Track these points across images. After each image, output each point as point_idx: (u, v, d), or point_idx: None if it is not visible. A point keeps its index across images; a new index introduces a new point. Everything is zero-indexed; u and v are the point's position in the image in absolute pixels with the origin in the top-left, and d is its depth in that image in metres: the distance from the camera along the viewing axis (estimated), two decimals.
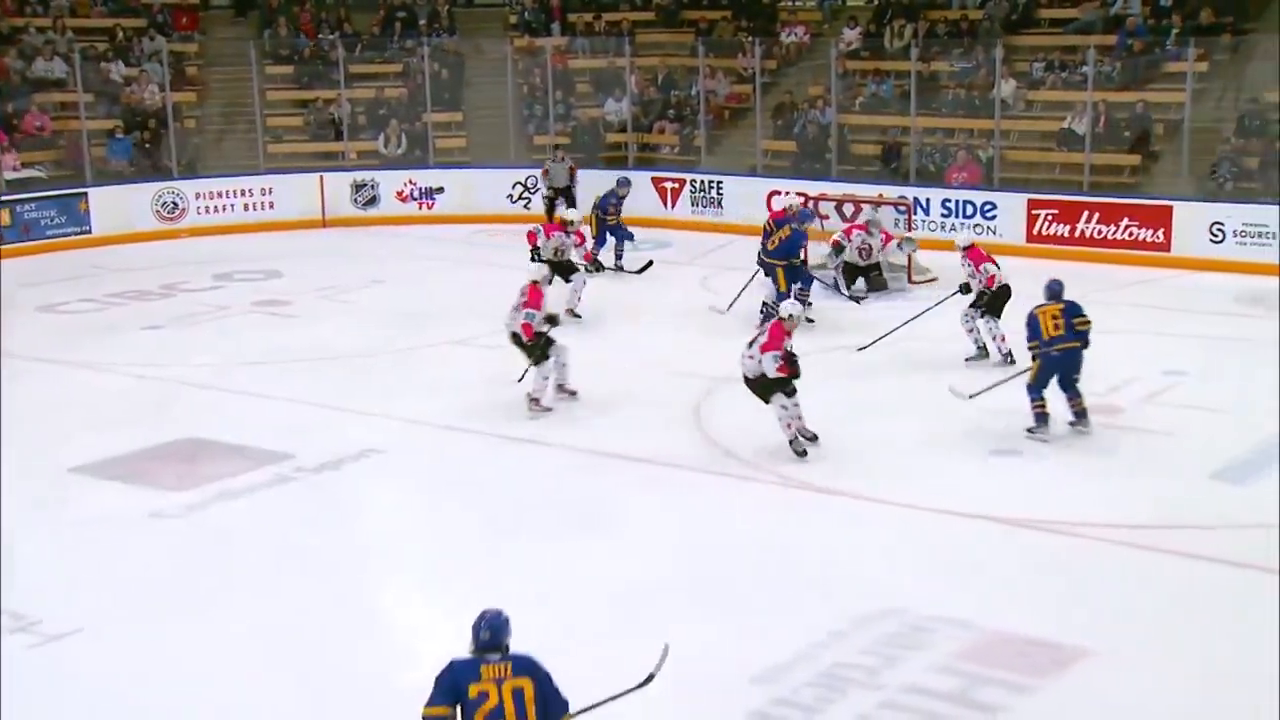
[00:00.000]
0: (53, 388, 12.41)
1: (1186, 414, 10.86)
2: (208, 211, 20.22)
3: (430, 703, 5.35)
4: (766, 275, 14.24)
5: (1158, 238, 16.75)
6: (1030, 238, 17.42)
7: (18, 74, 20.86)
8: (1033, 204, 17.52)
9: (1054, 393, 10.34)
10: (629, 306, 15.48)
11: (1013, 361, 11.96)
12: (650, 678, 5.83)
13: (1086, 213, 17.17)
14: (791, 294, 13.14)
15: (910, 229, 16.35)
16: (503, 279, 17.06)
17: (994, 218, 17.69)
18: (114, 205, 19.53)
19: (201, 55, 23.13)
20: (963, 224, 17.68)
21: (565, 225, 15.13)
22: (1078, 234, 17.19)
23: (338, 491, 9.81)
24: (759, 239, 14.67)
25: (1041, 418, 10.27)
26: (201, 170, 20.80)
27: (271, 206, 20.49)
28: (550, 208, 19.15)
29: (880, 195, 17.27)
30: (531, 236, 15.28)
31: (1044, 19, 21.18)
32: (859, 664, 7.04)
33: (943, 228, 17.80)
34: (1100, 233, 17.06)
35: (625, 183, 17.67)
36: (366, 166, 21.20)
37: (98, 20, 22.92)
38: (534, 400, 11.24)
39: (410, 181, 20.96)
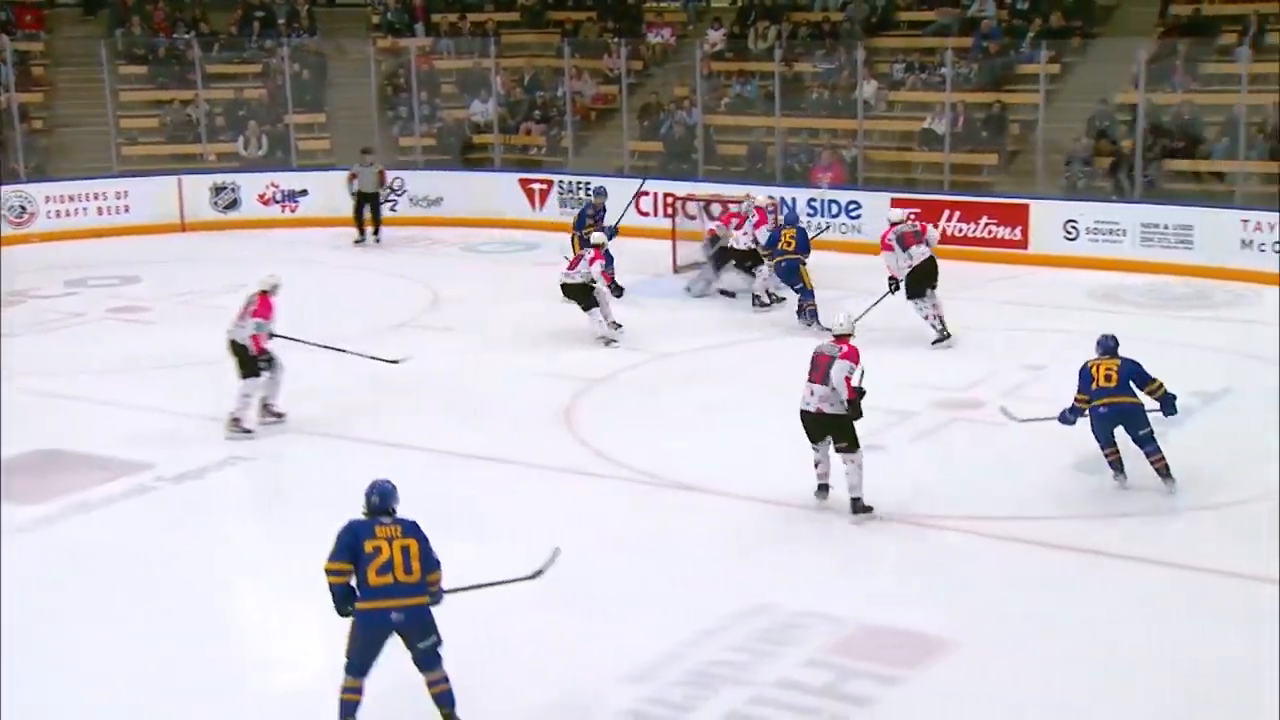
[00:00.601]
0: None
1: (1044, 407, 11.10)
2: (59, 215, 19.60)
3: (332, 558, 6.33)
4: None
5: (1015, 235, 17.16)
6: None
7: None
8: (895, 203, 17.76)
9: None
10: (500, 308, 15.38)
11: (946, 335, 13.02)
12: (539, 573, 6.77)
13: (947, 211, 17.52)
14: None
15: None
16: (370, 282, 16.98)
17: (858, 217, 17.95)
18: None
19: (48, 54, 22.41)
20: (829, 223, 17.92)
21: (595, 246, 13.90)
22: (939, 232, 17.47)
23: (200, 501, 9.57)
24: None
25: (1115, 465, 9.22)
26: (52, 173, 20.15)
27: (127, 210, 19.92)
28: (358, 214, 18.90)
29: (747, 195, 17.38)
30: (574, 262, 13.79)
31: (903, 21, 21.59)
32: (730, 660, 7.07)
33: (809, 227, 17.99)
34: (961, 231, 17.42)
35: (601, 192, 16.45)
36: (226, 169, 20.75)
37: None
38: (235, 421, 10.68)
39: (272, 184, 20.56)
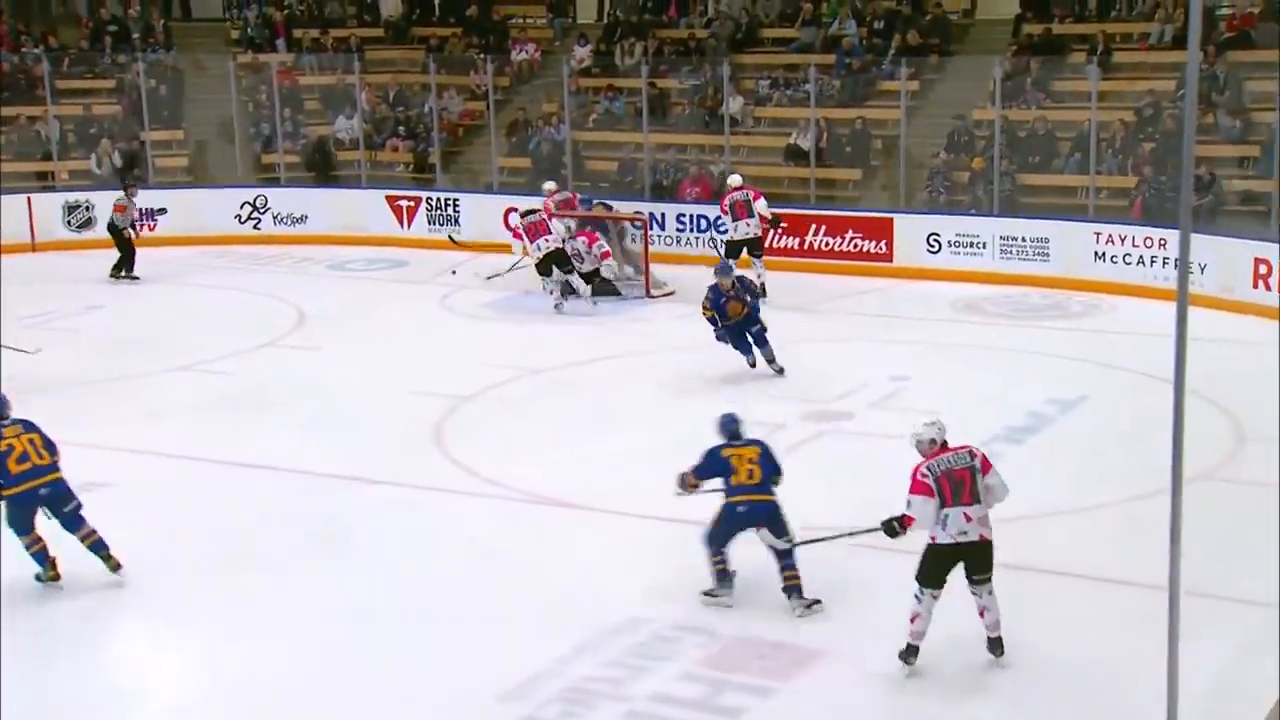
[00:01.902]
0: None
1: (912, 417, 11.22)
2: None
3: None
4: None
5: (880, 249, 17.45)
6: (763, 250, 17.86)
7: None
8: (763, 217, 17.98)
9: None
10: (368, 326, 15.19)
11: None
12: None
13: (814, 226, 17.75)
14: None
15: (647, 244, 16.56)
16: (231, 301, 16.62)
17: (725, 231, 18.06)
18: None
19: None
20: (697, 238, 18.06)
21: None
22: (806, 246, 17.74)
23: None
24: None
25: (722, 576, 7.94)
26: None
27: None
28: (126, 243, 17.76)
29: (615, 211, 17.45)
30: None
31: (767, 38, 21.87)
32: (605, 676, 7.06)
33: (678, 242, 18.13)
34: (827, 244, 17.66)
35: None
36: (80, 187, 20.14)
37: None
38: None
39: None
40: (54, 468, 8.22)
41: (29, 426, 8.24)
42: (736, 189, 16.05)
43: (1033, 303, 15.68)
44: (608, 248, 16.11)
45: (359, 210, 20.14)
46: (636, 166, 19.57)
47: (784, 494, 9.62)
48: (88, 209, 19.73)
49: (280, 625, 7.72)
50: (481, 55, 22.00)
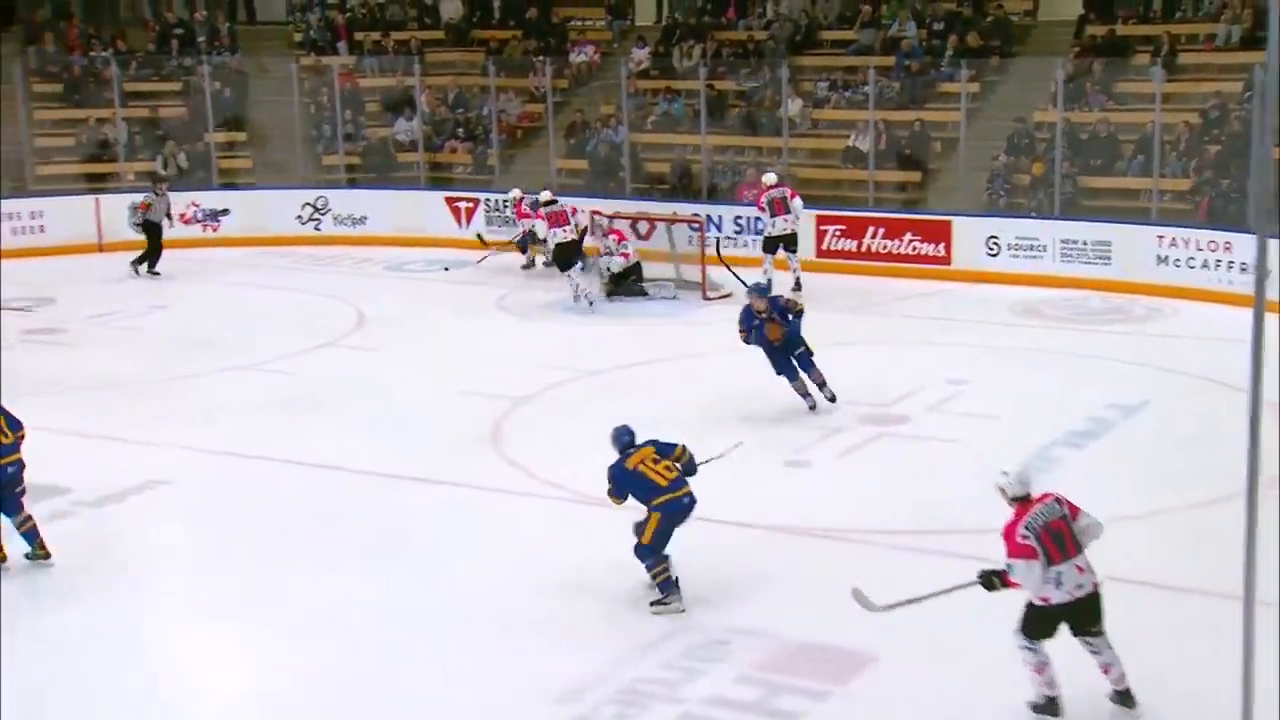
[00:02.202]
0: None
1: (969, 421, 11.24)
2: None
3: None
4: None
5: (939, 251, 17.34)
6: (820, 253, 17.83)
7: None
8: (821, 220, 17.94)
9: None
10: (426, 327, 15.30)
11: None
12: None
13: (872, 228, 17.67)
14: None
15: (704, 247, 16.55)
16: (291, 301, 16.79)
17: (764, 229, 18.02)
18: None
19: None
20: (754, 240, 18.01)
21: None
22: (864, 249, 17.67)
23: (120, 525, 9.39)
24: None
25: (669, 584, 7.85)
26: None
27: (42, 230, 19.54)
28: (155, 240, 18.18)
29: (674, 213, 17.46)
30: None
31: (826, 40, 21.80)
32: (659, 679, 7.05)
33: (735, 244, 18.09)
34: (885, 247, 17.57)
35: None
36: (146, 188, 20.37)
37: None
38: None
39: (194, 203, 20.27)
40: (15, 448, 8.30)
41: None
42: (773, 186, 16.34)
43: (1093, 306, 15.51)
44: (630, 249, 16.37)
45: (418, 211, 20.29)
46: (693, 169, 19.57)
47: (842, 497, 9.65)
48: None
49: (336, 625, 7.77)
50: (540, 58, 22.08)
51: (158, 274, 18.11)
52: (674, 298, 16.14)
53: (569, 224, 16.12)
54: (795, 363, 11.32)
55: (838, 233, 17.83)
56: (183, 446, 10.87)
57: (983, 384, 12.32)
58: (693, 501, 7.95)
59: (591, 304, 15.74)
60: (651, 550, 7.85)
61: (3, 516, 8.50)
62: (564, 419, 11.68)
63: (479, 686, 7.07)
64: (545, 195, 16.93)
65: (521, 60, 22.76)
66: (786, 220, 16.20)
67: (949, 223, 17.40)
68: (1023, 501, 6.47)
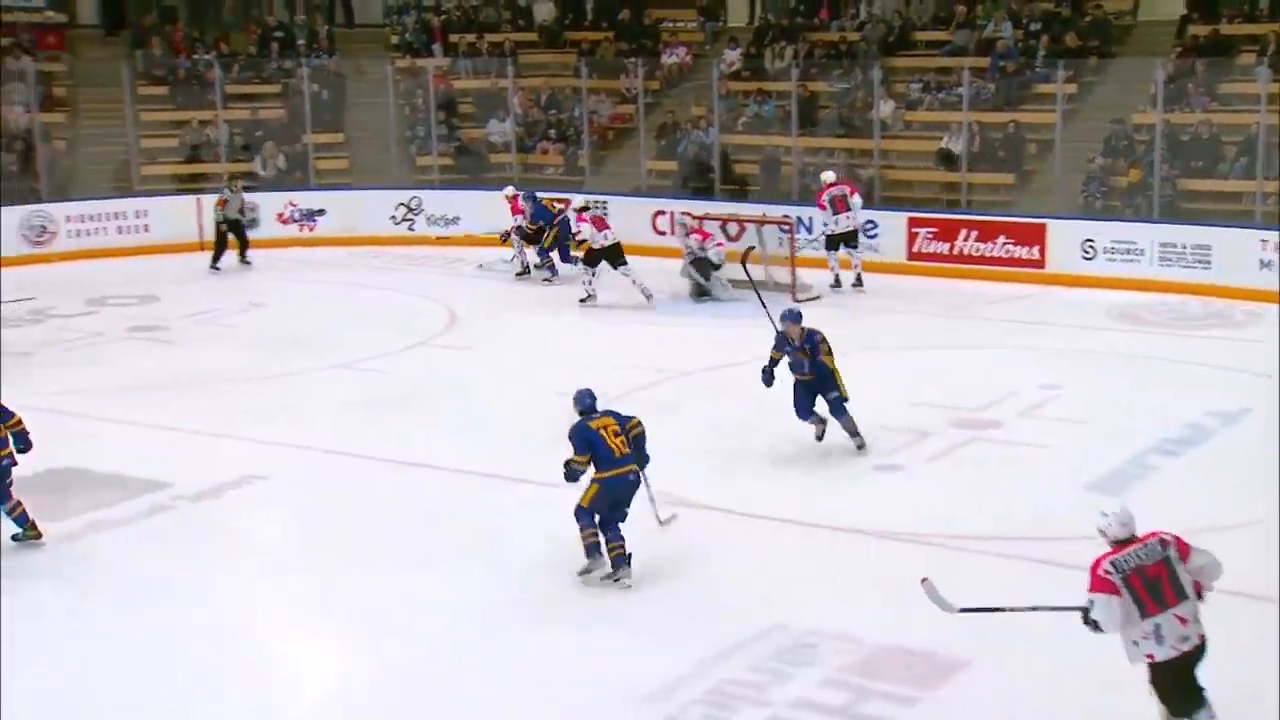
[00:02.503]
0: None
1: (1062, 427, 11.11)
2: (79, 235, 19.70)
3: None
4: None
5: (1033, 254, 17.13)
6: (911, 255, 17.73)
7: None
8: (913, 222, 17.82)
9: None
10: (517, 326, 15.43)
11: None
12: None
13: (964, 230, 17.51)
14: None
15: (793, 248, 16.52)
16: (385, 301, 17.04)
17: (875, 236, 17.95)
18: None
19: (70, 75, 22.57)
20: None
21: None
22: (956, 251, 17.52)
23: (218, 519, 9.59)
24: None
25: (594, 549, 8.24)
26: (73, 193, 20.26)
27: (146, 229, 20.02)
28: (221, 239, 18.76)
29: (763, 215, 17.44)
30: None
31: (920, 41, 21.62)
32: (747, 680, 7.06)
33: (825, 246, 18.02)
34: (978, 250, 17.41)
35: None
36: (246, 188, 20.81)
37: None
38: None
39: (291, 203, 20.65)
40: (3, 442, 8.73)
41: None
42: (833, 184, 16.66)
43: (1192, 311, 15.23)
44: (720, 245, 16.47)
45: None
46: (783, 170, 19.52)
47: (932, 502, 9.58)
48: (252, 209, 20.37)
49: (423, 621, 7.86)
50: (632, 59, 22.17)
51: (218, 269, 18.65)
52: (727, 299, 16.09)
53: (610, 228, 16.42)
54: (827, 407, 10.47)
55: (929, 235, 17.69)
56: (278, 443, 11.07)
57: (1077, 389, 12.16)
58: (637, 479, 8.34)
59: (650, 298, 16.07)
60: (586, 513, 8.24)
61: None
62: (654, 420, 11.67)
63: (568, 684, 7.13)
64: (581, 200, 17.31)
65: (613, 62, 22.87)
66: (848, 217, 16.45)
67: (1043, 225, 17.18)
68: (1124, 544, 5.98)
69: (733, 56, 22.10)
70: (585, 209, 16.92)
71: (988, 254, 17.35)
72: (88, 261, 19.08)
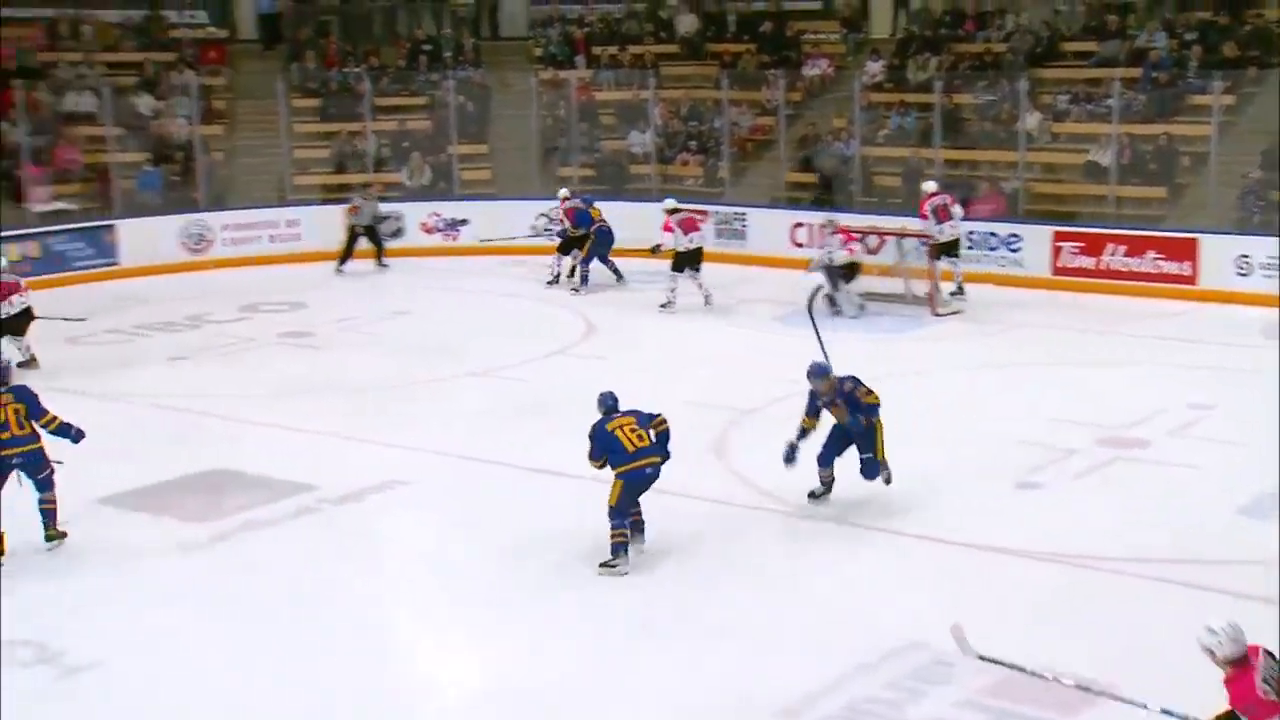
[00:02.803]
0: (80, 419, 12.34)
1: (1212, 447, 10.79)
2: (234, 243, 20.35)
3: None
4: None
5: (1184, 270, 16.67)
6: (1055, 270, 17.39)
7: (49, 107, 21.09)
8: (1058, 236, 17.49)
9: None
10: (652, 336, 15.50)
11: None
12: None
13: (1112, 245, 17.12)
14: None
15: (934, 262, 16.30)
16: (524, 309, 17.26)
17: (1018, 250, 17.65)
18: (141, 237, 19.68)
19: (229, 88, 23.35)
20: (987, 255, 17.70)
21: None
22: (1103, 266, 17.13)
23: (360, 523, 9.81)
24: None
25: (620, 548, 8.65)
26: (229, 202, 20.94)
27: (297, 238, 20.61)
28: (350, 246, 19.36)
29: (903, 227, 17.25)
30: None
31: (1068, 52, 21.20)
32: (883, 698, 7.00)
33: (966, 259, 17.76)
34: (1126, 265, 17.00)
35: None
36: (392, 198, 21.31)
37: (128, 55, 23.17)
38: None
39: (435, 213, 21.05)
40: (32, 438, 9.04)
41: (20, 395, 9.11)
42: (935, 194, 16.67)
43: None
44: (854, 248, 16.32)
45: (649, 222, 20.52)
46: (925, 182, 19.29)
47: (1076, 522, 9.37)
48: (397, 219, 20.84)
49: (559, 630, 7.94)
50: (773, 71, 22.13)
51: (343, 271, 19.25)
52: (856, 316, 15.84)
53: (699, 230, 16.69)
54: (861, 468, 9.59)
55: (1074, 249, 17.34)
56: (420, 448, 11.29)
57: (1229, 409, 11.80)
58: (655, 472, 8.71)
59: (708, 300, 16.46)
60: (617, 512, 8.59)
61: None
62: (788, 432, 11.65)
63: (703, 697, 7.13)
64: (670, 203, 17.32)
65: (754, 73, 22.85)
66: (952, 227, 16.46)
67: (1195, 240, 16.71)
68: (1240, 663, 5.44)
69: (875, 68, 21.92)
70: (674, 211, 16.95)
71: (1136, 269, 16.93)
72: (242, 269, 19.68)
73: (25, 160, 19.68)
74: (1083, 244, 17.24)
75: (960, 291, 16.46)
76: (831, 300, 16.07)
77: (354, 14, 26.18)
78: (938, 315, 15.84)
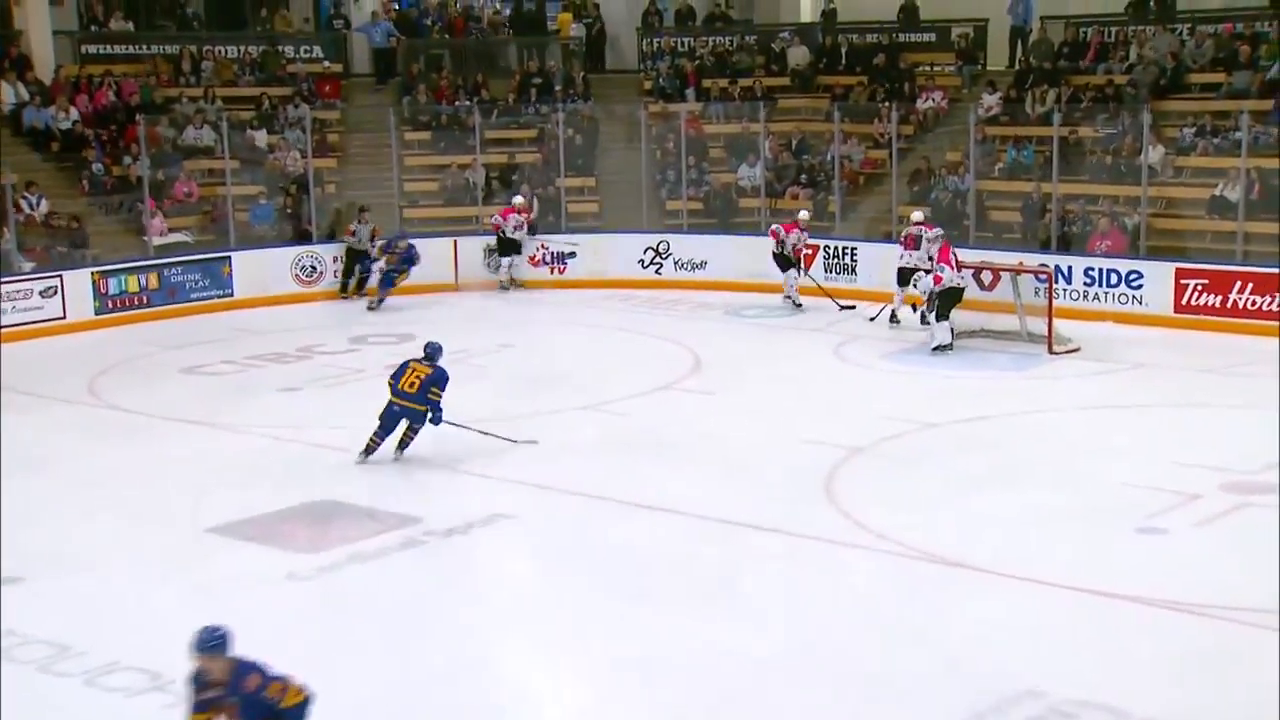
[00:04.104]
0: (192, 448, 12.61)
1: None
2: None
3: None
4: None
5: None
6: (1179, 308, 16.85)
7: (169, 142, 21.58)
8: (1181, 273, 16.96)
9: None
10: (762, 372, 15.31)
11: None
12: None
13: (1239, 283, 16.55)
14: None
15: (1051, 298, 15.88)
16: (632, 343, 17.18)
17: (1140, 287, 17.15)
18: (255, 269, 19.98)
19: (343, 122, 23.70)
20: (1106, 293, 17.24)
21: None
22: (1229, 304, 16.56)
23: (466, 556, 9.78)
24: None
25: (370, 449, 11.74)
26: (339, 235, 21.20)
27: (406, 271, 20.72)
28: (350, 270, 19.69)
29: (1020, 263, 16.86)
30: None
31: (1194, 84, 20.65)
32: None
33: (1084, 297, 17.31)
34: (1255, 304, 16.42)
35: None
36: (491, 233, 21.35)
37: (246, 89, 23.66)
38: None
39: (543, 245, 21.08)
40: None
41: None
42: (918, 224, 17.31)
43: None
44: (944, 273, 15.88)
45: (758, 257, 20.37)
46: (1043, 217, 18.88)
47: (1200, 569, 8.98)
48: (410, 247, 20.73)
49: (664, 666, 7.79)
50: (886, 103, 21.86)
51: (360, 296, 19.78)
52: (939, 349, 15.52)
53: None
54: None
55: (1199, 287, 16.79)
56: (525, 482, 11.23)
57: None
58: (402, 412, 11.56)
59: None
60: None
61: None
62: (899, 471, 11.42)
63: None
64: (917, 215, 17.88)
65: (867, 106, 22.61)
66: (916, 255, 16.87)
67: None
68: None
69: (991, 101, 21.55)
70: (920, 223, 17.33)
71: (1264, 308, 16.34)
72: (352, 300, 19.88)
73: (146, 193, 20.12)
74: (1207, 281, 16.70)
75: (895, 319, 17.01)
76: (893, 315, 16.88)
77: (465, 48, 26.45)
78: (1054, 353, 15.42)
